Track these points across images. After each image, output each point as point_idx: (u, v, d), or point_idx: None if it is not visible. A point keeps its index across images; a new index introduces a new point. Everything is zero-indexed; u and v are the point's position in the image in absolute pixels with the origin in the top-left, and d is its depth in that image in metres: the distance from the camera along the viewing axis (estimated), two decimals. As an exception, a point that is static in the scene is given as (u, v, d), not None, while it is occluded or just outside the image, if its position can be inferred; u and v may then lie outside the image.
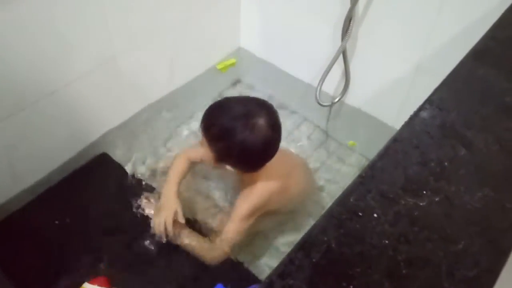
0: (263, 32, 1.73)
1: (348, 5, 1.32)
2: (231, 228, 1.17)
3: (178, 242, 1.20)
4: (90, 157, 1.47)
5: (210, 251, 1.18)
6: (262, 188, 1.17)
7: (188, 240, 1.20)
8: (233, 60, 1.76)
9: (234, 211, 1.18)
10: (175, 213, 1.17)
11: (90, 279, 1.12)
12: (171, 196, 1.21)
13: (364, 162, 1.50)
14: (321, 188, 1.46)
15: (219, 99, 1.18)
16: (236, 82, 1.81)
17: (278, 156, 1.14)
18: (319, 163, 1.53)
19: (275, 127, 1.09)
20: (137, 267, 1.20)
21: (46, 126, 1.28)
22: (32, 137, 1.26)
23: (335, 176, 1.49)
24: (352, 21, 1.35)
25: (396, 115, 1.47)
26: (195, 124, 1.63)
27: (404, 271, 0.57)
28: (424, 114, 0.76)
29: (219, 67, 1.74)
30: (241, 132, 1.05)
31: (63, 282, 1.13)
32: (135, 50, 1.41)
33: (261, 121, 1.06)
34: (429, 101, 0.78)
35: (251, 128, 1.05)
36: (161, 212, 1.18)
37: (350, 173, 1.49)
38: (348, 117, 1.60)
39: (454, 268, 0.57)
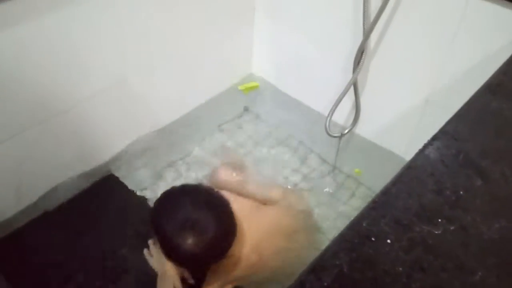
0: (275, 60, 1.76)
1: (360, 37, 1.34)
2: None
3: None
4: (98, 176, 1.47)
5: None
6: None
7: None
8: (256, 84, 1.77)
9: None
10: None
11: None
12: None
13: (371, 195, 1.48)
14: (319, 230, 1.42)
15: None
16: (244, 110, 1.82)
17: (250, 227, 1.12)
18: (326, 196, 1.51)
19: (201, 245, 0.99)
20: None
21: (56, 143, 1.29)
22: (41, 154, 1.27)
23: (340, 209, 1.47)
24: (364, 53, 1.37)
25: (405, 147, 1.47)
26: (202, 149, 1.64)
27: (418, 300, 0.55)
28: (438, 143, 0.75)
29: (241, 87, 1.75)
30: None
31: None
32: (149, 73, 1.43)
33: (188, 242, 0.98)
34: (443, 131, 0.77)
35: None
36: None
37: (357, 206, 1.47)
38: (357, 148, 1.60)
39: (470, 299, 0.55)
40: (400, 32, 1.31)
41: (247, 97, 1.84)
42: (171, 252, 1.02)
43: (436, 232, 0.63)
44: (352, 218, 0.65)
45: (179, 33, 1.45)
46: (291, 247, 1.24)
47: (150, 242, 1.22)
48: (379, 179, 1.46)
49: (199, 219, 0.99)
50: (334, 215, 1.45)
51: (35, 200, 1.34)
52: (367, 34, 1.30)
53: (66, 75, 1.20)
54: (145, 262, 1.22)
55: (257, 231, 1.16)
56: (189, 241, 0.97)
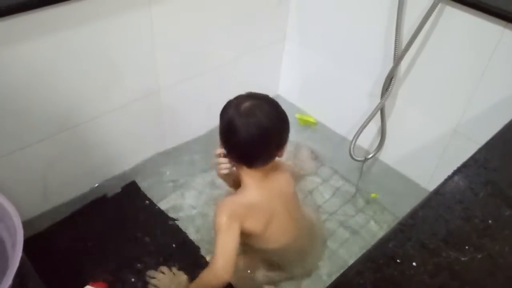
0: (302, 81, 1.78)
1: (390, 64, 1.35)
2: (215, 244, 1.08)
3: None
4: (121, 184, 1.49)
5: (207, 273, 1.10)
6: (235, 197, 1.15)
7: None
8: (314, 121, 1.77)
9: None
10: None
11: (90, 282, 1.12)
12: None
13: (393, 220, 1.47)
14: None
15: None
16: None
17: (276, 193, 1.14)
18: (345, 217, 1.50)
19: (271, 115, 1.04)
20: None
21: (84, 149, 1.32)
22: (69, 158, 1.30)
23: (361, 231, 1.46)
24: (393, 80, 1.38)
25: (429, 176, 1.46)
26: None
27: (443, 326, 0.55)
28: (468, 170, 0.75)
29: (298, 116, 1.77)
30: (230, 112, 1.04)
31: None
32: (178, 87, 1.46)
33: (254, 107, 1.03)
34: (473, 159, 0.77)
35: (241, 110, 1.03)
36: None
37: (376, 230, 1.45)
38: (380, 175, 1.59)
39: (496, 328, 0.54)
40: (431, 60, 1.31)
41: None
42: (231, 136, 1.04)
43: (463, 259, 0.62)
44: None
45: (212, 51, 1.48)
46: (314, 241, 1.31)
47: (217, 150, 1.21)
48: (399, 207, 1.47)
49: (262, 107, 1.03)
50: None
51: (59, 204, 1.36)
52: (397, 61, 1.31)
53: (98, 83, 1.23)
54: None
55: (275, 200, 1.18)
56: (252, 119, 1.01)
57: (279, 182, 1.17)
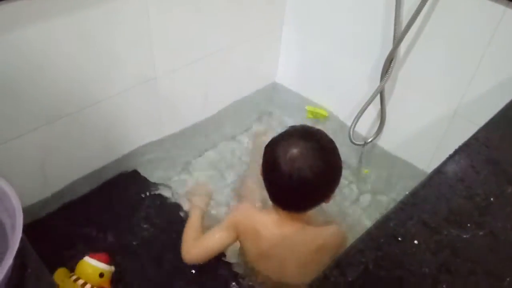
0: (301, 67, 1.76)
1: (390, 46, 1.34)
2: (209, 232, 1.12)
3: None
4: (120, 171, 1.48)
5: (186, 244, 1.15)
6: (255, 212, 1.10)
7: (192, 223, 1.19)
8: (325, 113, 1.74)
9: None
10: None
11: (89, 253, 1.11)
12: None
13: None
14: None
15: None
16: (266, 115, 1.82)
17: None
18: (347, 201, 1.50)
19: (317, 167, 0.93)
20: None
21: (82, 135, 1.31)
22: (67, 144, 1.29)
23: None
24: (393, 62, 1.36)
25: (429, 160, 1.45)
26: (219, 152, 1.66)
27: (445, 302, 0.55)
28: (469, 149, 0.75)
29: (308, 108, 1.75)
30: (277, 151, 0.96)
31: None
32: (175, 73, 1.44)
33: (301, 155, 0.93)
34: (475, 137, 0.77)
35: (288, 155, 0.94)
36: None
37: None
38: (379, 159, 1.59)
39: (498, 304, 0.54)
40: (431, 41, 1.30)
41: (269, 105, 1.84)
42: (272, 174, 0.98)
43: (465, 237, 0.62)
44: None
45: (208, 37, 1.46)
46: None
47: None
48: (398, 190, 1.47)
49: (310, 156, 0.94)
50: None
51: (60, 190, 1.36)
52: (397, 42, 1.30)
53: (96, 69, 1.22)
54: (158, 258, 1.23)
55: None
56: (296, 166, 0.92)
57: (302, 236, 1.06)
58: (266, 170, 1.01)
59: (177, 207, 1.39)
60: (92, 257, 1.10)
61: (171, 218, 1.36)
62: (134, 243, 1.27)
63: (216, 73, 1.58)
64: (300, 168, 0.92)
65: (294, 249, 1.06)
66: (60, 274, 1.07)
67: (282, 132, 1.02)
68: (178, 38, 1.37)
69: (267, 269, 1.10)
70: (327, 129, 1.75)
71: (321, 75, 1.69)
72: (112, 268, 1.12)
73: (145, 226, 1.32)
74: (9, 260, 0.47)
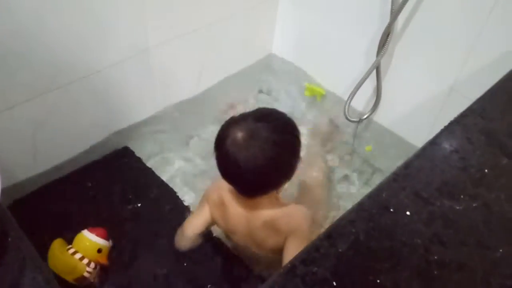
0: (297, 40, 1.73)
1: (387, 19, 1.30)
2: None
3: None
4: (112, 147, 1.46)
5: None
6: (222, 186, 1.04)
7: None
8: (322, 91, 1.71)
9: None
10: None
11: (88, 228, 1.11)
12: None
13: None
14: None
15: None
16: (265, 90, 1.80)
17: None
18: (342, 177, 1.49)
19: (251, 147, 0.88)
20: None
21: (73, 109, 1.29)
22: (59, 119, 1.26)
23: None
24: (389, 36, 1.33)
25: (425, 136, 1.43)
26: (215, 127, 1.62)
27: (435, 272, 0.54)
28: (465, 120, 0.73)
29: (307, 85, 1.71)
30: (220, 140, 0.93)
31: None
32: (169, 45, 1.41)
33: (240, 138, 0.89)
34: (470, 109, 0.75)
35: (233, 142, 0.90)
36: None
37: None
38: (375, 135, 1.57)
39: (490, 275, 0.54)
40: (429, 16, 1.27)
41: (264, 78, 1.82)
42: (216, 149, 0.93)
43: (458, 208, 0.61)
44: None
45: (202, 8, 1.43)
46: None
47: None
48: (392, 166, 1.46)
49: (254, 142, 0.88)
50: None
51: (50, 167, 1.34)
52: (394, 16, 1.27)
53: (88, 40, 1.19)
54: (152, 234, 1.22)
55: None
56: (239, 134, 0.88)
57: (255, 220, 1.03)
58: (214, 146, 0.95)
59: (167, 184, 1.38)
60: (91, 231, 1.08)
61: (162, 194, 1.35)
62: (126, 218, 1.26)
63: (211, 46, 1.55)
64: (236, 154, 0.88)
65: (251, 228, 1.03)
66: (57, 244, 1.05)
67: (244, 113, 0.95)
68: (171, 8, 1.34)
69: (237, 241, 1.10)
70: (324, 106, 1.77)
71: (317, 49, 1.66)
72: (110, 243, 1.12)
73: (137, 202, 1.31)
74: (-14, 228, 0.46)
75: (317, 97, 1.71)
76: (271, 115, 0.96)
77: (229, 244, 1.20)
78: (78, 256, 1.03)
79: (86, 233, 1.08)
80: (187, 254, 1.15)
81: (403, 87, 1.44)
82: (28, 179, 1.30)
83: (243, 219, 1.03)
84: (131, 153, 1.46)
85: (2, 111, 1.11)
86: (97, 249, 1.06)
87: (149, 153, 1.48)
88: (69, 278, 1.01)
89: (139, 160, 1.44)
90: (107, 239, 1.11)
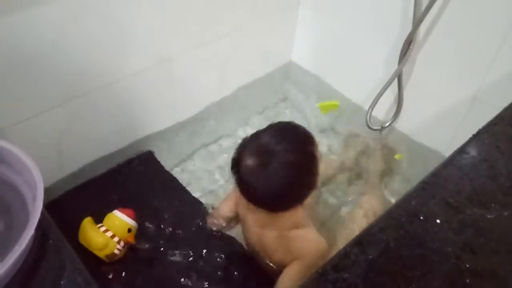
0: (317, 48, 1.74)
1: (409, 27, 1.31)
2: None
3: None
4: (134, 153, 1.49)
5: None
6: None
7: None
8: (336, 102, 1.71)
9: None
10: None
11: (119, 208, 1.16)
12: None
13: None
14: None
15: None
16: (284, 99, 1.81)
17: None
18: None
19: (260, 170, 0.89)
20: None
21: (97, 116, 1.31)
22: (82, 126, 1.29)
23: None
24: (412, 44, 1.33)
25: (447, 145, 1.43)
26: (238, 135, 1.64)
27: (467, 281, 0.54)
28: (494, 129, 0.73)
29: (319, 105, 1.72)
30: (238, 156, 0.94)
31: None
32: (190, 54, 1.43)
33: (253, 165, 0.90)
34: (499, 117, 0.75)
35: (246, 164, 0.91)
36: None
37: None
38: (397, 143, 1.57)
39: (523, 284, 0.53)
40: (451, 24, 1.26)
41: (284, 87, 1.83)
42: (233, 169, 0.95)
43: (489, 216, 0.61)
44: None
45: (222, 17, 1.45)
46: None
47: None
48: (417, 175, 1.45)
49: (270, 148, 0.89)
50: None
51: (75, 172, 1.37)
52: (416, 24, 1.27)
53: (110, 49, 1.20)
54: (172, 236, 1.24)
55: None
56: (250, 161, 0.89)
57: (271, 228, 1.04)
58: (230, 168, 0.97)
59: (188, 190, 1.39)
60: (121, 211, 1.13)
61: (184, 200, 1.36)
62: (149, 224, 1.27)
63: (231, 53, 1.56)
64: (256, 181, 0.89)
65: (264, 234, 1.04)
66: (87, 222, 1.10)
67: (254, 133, 0.97)
68: (192, 17, 1.36)
69: (247, 237, 1.12)
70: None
71: (338, 57, 1.67)
72: (136, 225, 1.16)
73: (160, 209, 1.33)
74: (30, 230, 0.47)
75: (334, 110, 1.71)
76: (286, 131, 0.96)
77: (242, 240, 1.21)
78: (109, 234, 1.08)
79: (116, 213, 1.13)
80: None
81: (425, 95, 1.44)
82: (53, 185, 1.33)
83: (260, 222, 1.04)
84: (154, 159, 1.48)
85: (29, 119, 1.14)
86: (127, 228, 1.11)
87: (171, 160, 1.50)
88: (101, 254, 1.06)
89: (161, 166, 1.46)
90: (135, 219, 1.15)
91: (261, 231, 1.04)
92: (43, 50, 1.07)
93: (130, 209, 1.16)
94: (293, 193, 0.94)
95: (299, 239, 1.00)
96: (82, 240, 1.08)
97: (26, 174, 0.56)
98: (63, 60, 1.13)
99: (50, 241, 0.53)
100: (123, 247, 1.10)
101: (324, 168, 1.25)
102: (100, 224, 1.12)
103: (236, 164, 0.93)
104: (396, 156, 1.52)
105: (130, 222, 1.13)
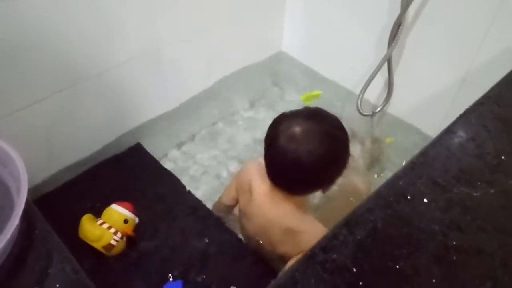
0: (306, 35, 1.73)
1: (398, 10, 1.30)
2: None
3: None
4: (126, 145, 1.48)
5: None
6: (253, 164, 1.09)
7: None
8: (318, 92, 1.71)
9: None
10: None
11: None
12: None
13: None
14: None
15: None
16: (274, 87, 1.81)
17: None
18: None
19: (314, 154, 0.87)
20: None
21: (86, 108, 1.30)
22: (72, 118, 1.28)
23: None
24: (400, 27, 1.33)
25: (438, 126, 1.43)
26: (222, 124, 1.65)
27: (454, 257, 0.54)
28: (481, 108, 0.73)
29: (302, 98, 1.71)
30: (278, 128, 0.93)
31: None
32: (179, 43, 1.42)
33: (302, 135, 0.89)
34: (486, 96, 0.75)
35: (288, 133, 0.91)
36: None
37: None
38: (389, 127, 1.57)
39: (509, 260, 0.54)
40: (440, 6, 1.26)
41: (274, 75, 1.82)
42: (269, 149, 0.94)
43: (475, 194, 0.61)
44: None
45: (210, 5, 1.44)
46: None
47: None
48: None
49: (311, 139, 0.88)
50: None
51: (64, 167, 1.36)
52: (405, 7, 1.26)
53: (98, 39, 1.19)
54: (169, 229, 1.23)
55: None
56: (292, 146, 0.87)
57: (281, 215, 1.01)
58: (265, 142, 0.96)
59: (179, 179, 1.39)
60: (118, 204, 1.16)
61: (174, 189, 1.36)
62: (141, 215, 1.27)
63: (220, 42, 1.56)
64: (297, 149, 0.87)
65: (270, 225, 1.03)
66: (86, 217, 1.13)
67: (294, 110, 0.96)
68: (180, 6, 1.35)
69: (247, 228, 1.11)
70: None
71: (327, 43, 1.66)
72: (136, 219, 1.18)
73: (152, 199, 1.33)
74: (15, 220, 0.47)
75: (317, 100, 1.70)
76: (322, 112, 0.97)
77: (241, 234, 1.20)
78: (105, 226, 1.10)
79: (113, 206, 1.16)
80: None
81: (415, 79, 1.44)
82: (43, 181, 1.32)
83: (265, 212, 1.02)
84: (144, 150, 1.48)
85: (16, 112, 1.13)
86: (123, 219, 1.13)
87: (161, 150, 1.50)
88: (98, 246, 1.09)
89: (151, 157, 1.46)
90: (133, 212, 1.18)
91: (267, 223, 1.03)
92: (30, 41, 1.06)
93: (128, 202, 1.18)
94: (333, 166, 0.94)
95: (307, 233, 0.98)
96: (81, 234, 1.10)
97: (10, 166, 0.56)
98: (50, 51, 1.11)
99: (36, 232, 0.53)
100: (120, 238, 1.11)
101: None
102: (98, 218, 1.14)
103: (277, 135, 0.91)
104: (387, 140, 1.53)
105: (126, 213, 1.15)
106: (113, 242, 1.09)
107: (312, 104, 1.64)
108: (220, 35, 1.54)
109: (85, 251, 1.12)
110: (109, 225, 1.11)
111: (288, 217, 0.99)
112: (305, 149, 0.87)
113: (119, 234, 1.11)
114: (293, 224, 0.99)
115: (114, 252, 1.11)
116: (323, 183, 0.96)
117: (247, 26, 1.62)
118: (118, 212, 1.14)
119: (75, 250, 0.59)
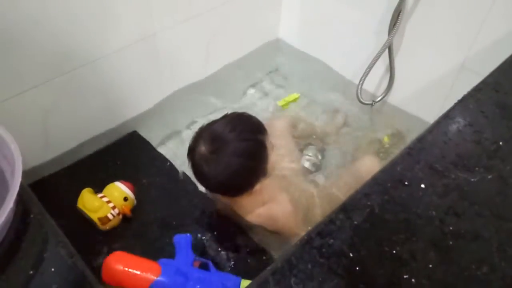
0: (304, 22, 1.71)
1: (397, -3, 1.29)
2: None
3: None
4: (122, 133, 1.47)
5: None
6: None
7: None
8: (296, 96, 1.70)
9: None
10: None
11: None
12: None
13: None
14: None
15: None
16: (273, 72, 1.79)
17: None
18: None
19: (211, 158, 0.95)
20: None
21: (82, 95, 1.29)
22: (68, 105, 1.27)
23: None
24: (401, 14, 1.32)
25: (436, 114, 1.42)
26: (218, 113, 1.62)
27: (451, 242, 0.54)
28: (479, 94, 0.72)
29: (280, 104, 1.69)
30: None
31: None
32: (175, 29, 1.41)
33: (203, 153, 0.96)
34: (484, 82, 0.74)
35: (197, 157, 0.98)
36: None
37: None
38: (389, 116, 1.56)
39: (506, 244, 0.54)
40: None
41: (273, 62, 1.81)
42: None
43: (473, 180, 0.61)
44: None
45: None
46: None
47: None
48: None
49: (221, 136, 0.96)
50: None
51: (61, 153, 1.35)
52: (405, -7, 1.25)
53: (93, 26, 1.18)
54: (166, 214, 1.24)
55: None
56: (202, 150, 0.95)
57: (242, 213, 1.11)
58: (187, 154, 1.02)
59: (175, 167, 1.39)
60: (121, 182, 1.20)
61: (170, 176, 1.36)
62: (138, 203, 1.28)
63: (217, 28, 1.54)
64: (210, 172, 0.95)
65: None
66: (86, 190, 1.17)
67: (211, 121, 1.02)
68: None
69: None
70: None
71: (326, 30, 1.64)
72: (135, 200, 1.21)
73: (149, 187, 1.32)
74: (9, 203, 0.47)
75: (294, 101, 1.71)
76: (239, 121, 1.01)
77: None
78: (105, 199, 1.14)
79: (117, 183, 1.20)
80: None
81: (415, 66, 1.43)
82: (40, 166, 1.31)
83: (231, 204, 1.11)
84: (140, 137, 1.47)
85: (11, 98, 1.12)
86: (123, 197, 1.17)
87: (158, 137, 1.49)
88: (94, 217, 1.12)
89: (148, 143, 1.45)
90: (134, 193, 1.21)
91: (233, 210, 1.12)
92: (22, 28, 1.05)
93: (130, 183, 1.23)
94: (242, 179, 0.99)
95: (268, 220, 1.08)
96: (80, 203, 1.14)
97: (4, 149, 0.55)
98: (45, 37, 1.10)
99: (32, 216, 0.52)
100: (117, 214, 1.14)
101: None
102: (100, 193, 1.18)
103: (190, 151, 0.99)
104: (386, 139, 1.51)
105: (127, 191, 1.19)
106: (109, 216, 1.12)
107: (290, 108, 1.67)
108: (217, 22, 1.52)
109: (80, 235, 1.12)
110: (109, 200, 1.14)
111: (246, 208, 1.08)
112: (210, 169, 0.95)
113: (116, 210, 1.14)
114: (253, 217, 1.08)
115: (108, 226, 1.14)
116: (252, 183, 1.00)
117: (244, 12, 1.61)
118: (120, 189, 1.18)
119: (70, 235, 0.60)
